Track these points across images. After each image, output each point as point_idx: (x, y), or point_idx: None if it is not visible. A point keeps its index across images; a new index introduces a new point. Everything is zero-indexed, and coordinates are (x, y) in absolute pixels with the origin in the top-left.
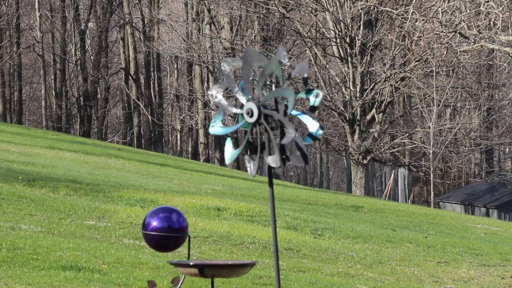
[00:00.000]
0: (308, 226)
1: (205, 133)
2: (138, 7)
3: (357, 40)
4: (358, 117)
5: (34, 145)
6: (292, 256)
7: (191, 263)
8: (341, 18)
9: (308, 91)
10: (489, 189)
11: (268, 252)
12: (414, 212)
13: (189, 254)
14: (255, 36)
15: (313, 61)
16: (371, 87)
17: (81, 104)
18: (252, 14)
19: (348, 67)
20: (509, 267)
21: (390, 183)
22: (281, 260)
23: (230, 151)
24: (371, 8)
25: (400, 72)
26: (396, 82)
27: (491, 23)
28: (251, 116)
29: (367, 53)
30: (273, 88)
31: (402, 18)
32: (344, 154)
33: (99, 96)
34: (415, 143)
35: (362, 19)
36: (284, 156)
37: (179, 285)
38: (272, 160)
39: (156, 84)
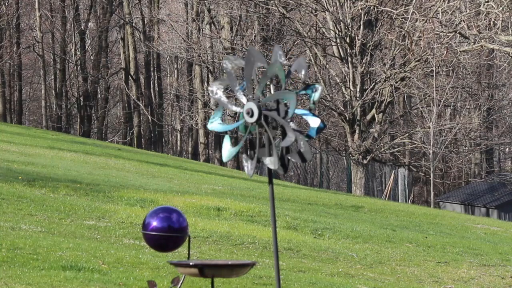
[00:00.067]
0: (308, 226)
1: (205, 133)
2: (138, 7)
3: (357, 40)
4: (358, 117)
5: (34, 145)
6: (292, 256)
7: (191, 263)
8: (341, 18)
9: (307, 87)
10: (489, 189)
11: (268, 252)
12: (414, 212)
13: (189, 254)
14: (255, 36)
15: (313, 61)
16: (371, 87)
17: (81, 104)
18: (252, 14)
19: (348, 67)
20: (509, 267)
21: (390, 183)
22: (281, 260)
23: (228, 149)
24: (371, 8)
25: (400, 72)
26: (396, 82)
27: (491, 23)
28: (251, 116)
29: (367, 53)
30: (272, 89)
31: (402, 18)
32: (344, 154)
33: (99, 96)
34: (415, 143)
35: (362, 19)
36: (283, 159)
37: (179, 285)
38: (270, 162)
39: (156, 84)
